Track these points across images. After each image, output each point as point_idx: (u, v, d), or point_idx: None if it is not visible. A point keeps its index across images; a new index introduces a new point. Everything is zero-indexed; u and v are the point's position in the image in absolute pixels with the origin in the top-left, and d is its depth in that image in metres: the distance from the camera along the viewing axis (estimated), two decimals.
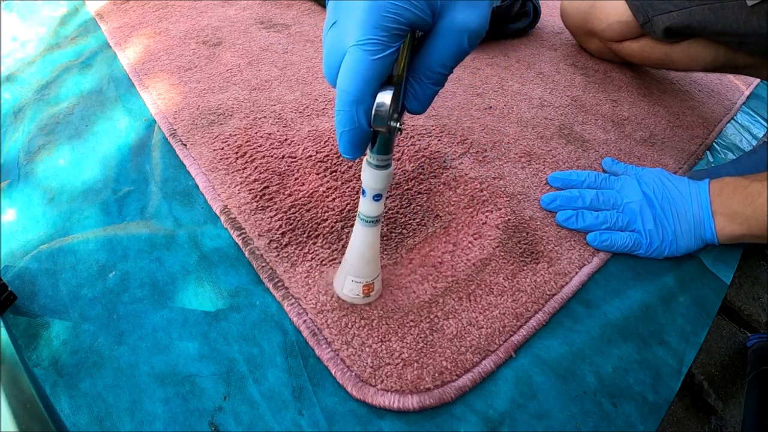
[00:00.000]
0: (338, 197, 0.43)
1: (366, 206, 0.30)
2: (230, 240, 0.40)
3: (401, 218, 0.42)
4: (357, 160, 0.46)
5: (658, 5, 0.56)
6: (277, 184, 0.43)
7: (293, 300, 0.35)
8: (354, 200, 0.43)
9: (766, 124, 0.69)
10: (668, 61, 0.62)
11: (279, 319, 0.35)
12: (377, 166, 0.28)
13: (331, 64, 0.24)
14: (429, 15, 0.22)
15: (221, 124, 0.50)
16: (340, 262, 0.38)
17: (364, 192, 0.30)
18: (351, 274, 0.33)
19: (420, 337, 0.34)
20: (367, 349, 0.33)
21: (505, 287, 0.38)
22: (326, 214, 0.41)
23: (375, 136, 0.26)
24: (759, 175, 0.41)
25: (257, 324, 0.35)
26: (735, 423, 0.39)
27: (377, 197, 0.29)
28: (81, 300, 0.36)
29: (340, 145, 0.25)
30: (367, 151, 0.28)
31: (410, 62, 0.24)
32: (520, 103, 0.59)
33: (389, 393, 0.31)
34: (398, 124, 0.25)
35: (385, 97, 0.23)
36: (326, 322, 0.34)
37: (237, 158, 0.46)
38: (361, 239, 0.32)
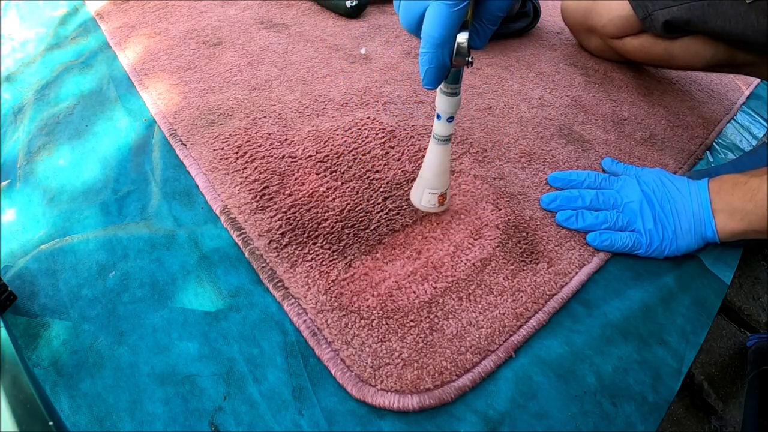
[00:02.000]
0: (338, 197, 0.43)
1: (441, 127, 0.36)
2: (230, 240, 0.40)
3: (401, 219, 0.42)
4: (356, 160, 0.46)
5: (658, 1, 0.56)
6: (277, 184, 0.43)
7: (293, 300, 0.35)
8: (354, 200, 0.43)
9: (766, 124, 0.69)
10: (668, 57, 0.62)
11: (279, 319, 0.35)
12: (451, 94, 0.34)
13: (411, 16, 0.30)
14: None
15: (221, 124, 0.50)
16: (340, 263, 0.38)
17: (438, 116, 0.36)
18: (428, 187, 0.40)
19: (420, 337, 0.34)
20: (367, 349, 0.33)
21: (505, 287, 0.38)
22: (326, 214, 0.41)
23: (449, 70, 0.33)
24: (758, 170, 0.40)
25: (257, 324, 0.35)
26: (735, 423, 0.39)
27: (450, 119, 0.36)
28: (81, 300, 0.36)
29: (424, 79, 0.31)
30: (441, 83, 0.34)
31: (474, 9, 0.30)
32: (520, 103, 0.59)
33: (389, 393, 0.31)
34: (470, 58, 0.31)
35: (464, 38, 0.29)
36: (326, 322, 0.34)
37: (237, 158, 0.46)
38: (436, 155, 0.38)
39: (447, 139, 0.37)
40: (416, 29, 0.30)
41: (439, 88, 0.34)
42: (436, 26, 0.28)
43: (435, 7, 0.28)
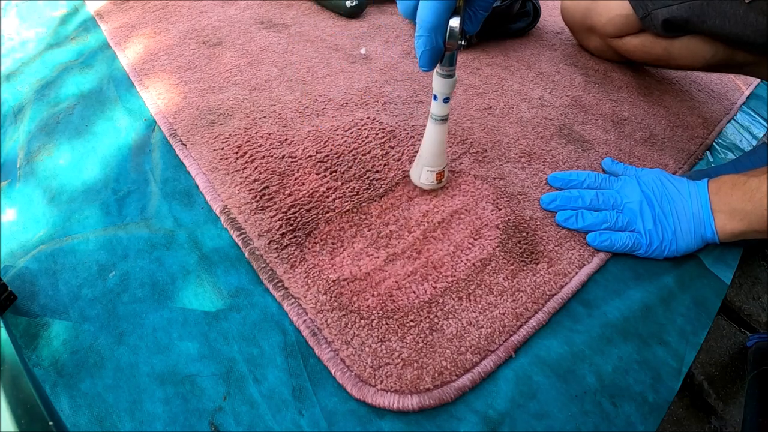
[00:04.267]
0: (338, 197, 0.43)
1: (438, 108, 0.39)
2: (230, 240, 0.40)
3: (400, 218, 0.42)
4: (356, 160, 0.46)
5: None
6: (277, 184, 0.43)
7: (293, 300, 0.35)
8: (354, 201, 0.43)
9: (766, 124, 0.69)
10: (668, 57, 0.62)
11: (279, 319, 0.35)
12: (447, 75, 0.37)
13: (408, 3, 0.33)
14: None
15: (221, 124, 0.50)
16: (340, 265, 0.38)
17: (435, 97, 0.38)
18: (426, 165, 0.42)
19: (420, 337, 0.34)
20: (367, 349, 0.33)
21: (505, 287, 0.38)
22: (326, 214, 0.41)
23: (443, 53, 0.35)
24: (757, 170, 0.40)
25: (257, 324, 0.35)
26: (735, 423, 0.39)
27: (446, 100, 0.38)
28: (81, 300, 0.36)
29: (420, 61, 0.34)
30: (438, 66, 0.36)
31: None
32: (520, 103, 0.59)
33: (389, 393, 0.31)
34: (463, 42, 0.34)
35: (456, 23, 0.33)
36: (326, 321, 0.34)
37: (237, 158, 0.46)
38: (434, 134, 0.40)
39: (444, 119, 0.40)
40: (412, 15, 0.33)
41: (435, 71, 0.37)
42: (429, 12, 0.32)
43: None
